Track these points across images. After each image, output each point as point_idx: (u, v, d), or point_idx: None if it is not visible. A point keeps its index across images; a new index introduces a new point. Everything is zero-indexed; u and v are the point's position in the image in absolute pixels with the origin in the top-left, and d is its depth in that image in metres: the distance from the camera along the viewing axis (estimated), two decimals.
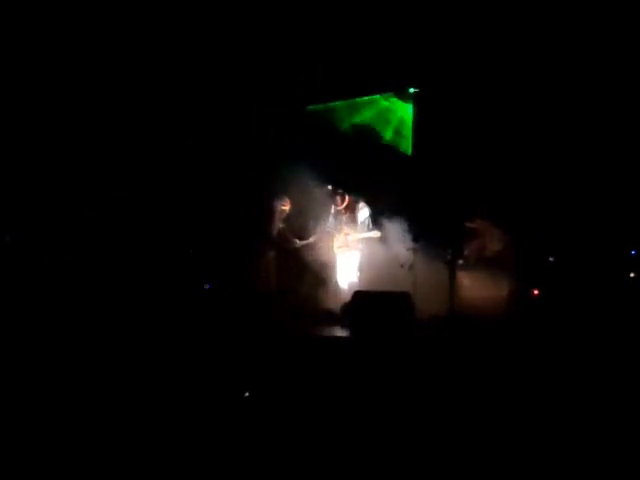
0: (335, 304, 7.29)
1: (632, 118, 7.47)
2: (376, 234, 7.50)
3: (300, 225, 7.88)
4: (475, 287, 7.44)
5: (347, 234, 7.61)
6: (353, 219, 7.63)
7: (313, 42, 7.93)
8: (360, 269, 7.58)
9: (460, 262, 7.78)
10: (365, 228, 7.57)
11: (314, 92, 8.42)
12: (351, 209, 7.66)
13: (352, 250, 7.65)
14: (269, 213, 7.80)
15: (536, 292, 7.50)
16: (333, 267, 7.73)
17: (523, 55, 7.61)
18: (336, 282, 7.68)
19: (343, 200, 7.64)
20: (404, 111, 8.70)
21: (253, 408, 3.93)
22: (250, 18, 7.61)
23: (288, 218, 7.87)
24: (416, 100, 8.55)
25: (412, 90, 8.60)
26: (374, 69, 8.31)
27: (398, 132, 8.74)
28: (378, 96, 8.82)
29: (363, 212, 7.59)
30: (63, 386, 4.27)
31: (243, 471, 3.19)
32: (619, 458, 3.25)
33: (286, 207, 7.78)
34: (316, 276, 7.74)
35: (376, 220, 7.62)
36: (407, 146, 8.60)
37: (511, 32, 7.49)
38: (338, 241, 7.69)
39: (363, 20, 7.77)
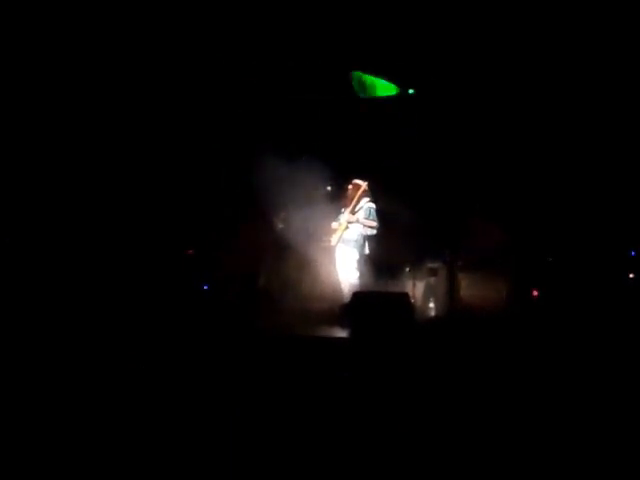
0: (335, 304, 7.29)
1: (632, 118, 7.48)
2: (373, 224, 7.49)
3: (299, 224, 7.89)
4: (474, 287, 7.45)
5: (348, 221, 7.58)
6: (354, 208, 7.61)
7: (311, 42, 7.94)
8: (359, 269, 7.56)
9: (459, 262, 7.79)
10: (365, 214, 7.55)
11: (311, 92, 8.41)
12: (354, 199, 7.64)
13: (350, 238, 7.61)
14: (268, 213, 7.82)
15: (535, 292, 7.51)
16: (333, 267, 7.73)
17: (521, 53, 7.61)
18: (335, 282, 7.67)
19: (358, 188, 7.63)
20: None
21: (252, 409, 3.91)
22: (247, 17, 7.60)
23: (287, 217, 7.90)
24: (414, 101, 8.56)
25: (411, 91, 8.60)
26: (373, 70, 8.34)
27: None
28: None
29: (365, 199, 7.60)
30: (60, 386, 4.26)
31: (242, 472, 3.17)
32: (619, 458, 3.24)
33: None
34: (315, 276, 7.75)
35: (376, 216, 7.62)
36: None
37: (509, 30, 7.49)
38: (338, 229, 7.64)
39: (362, 21, 7.77)
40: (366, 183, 7.63)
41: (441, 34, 7.77)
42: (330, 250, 7.70)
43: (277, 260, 7.97)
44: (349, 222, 7.55)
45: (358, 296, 6.65)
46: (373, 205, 7.57)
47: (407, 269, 7.83)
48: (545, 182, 7.82)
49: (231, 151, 8.24)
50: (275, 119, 8.25)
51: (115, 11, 7.36)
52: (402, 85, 8.56)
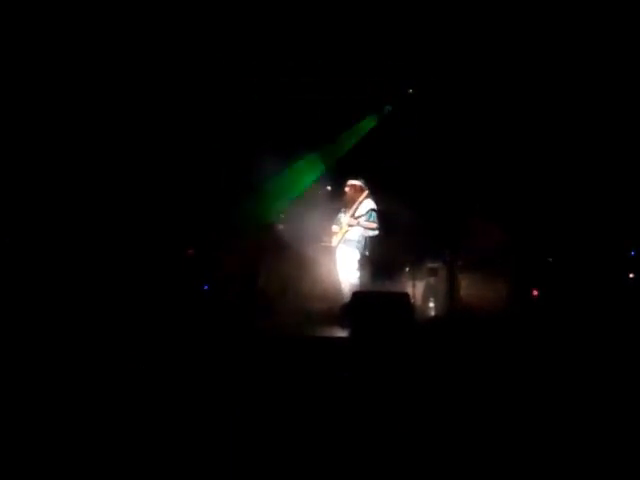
0: (335, 304, 7.29)
1: (632, 117, 7.48)
2: (374, 225, 7.49)
3: (299, 224, 7.89)
4: (474, 287, 7.45)
5: (349, 224, 7.58)
6: (355, 211, 7.60)
7: (311, 42, 7.93)
8: (359, 269, 7.56)
9: (459, 262, 7.79)
10: (367, 218, 7.54)
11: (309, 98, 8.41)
12: (355, 201, 7.63)
13: (351, 239, 7.60)
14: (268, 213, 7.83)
15: (535, 292, 7.51)
16: (333, 267, 7.73)
17: (521, 54, 7.60)
18: (336, 282, 7.67)
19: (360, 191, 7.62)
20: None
21: (252, 409, 3.91)
22: (247, 17, 7.59)
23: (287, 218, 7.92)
24: (414, 101, 8.57)
25: (411, 91, 8.61)
26: (373, 70, 8.34)
27: None
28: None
29: (367, 202, 7.58)
30: (61, 386, 4.26)
31: (242, 472, 3.17)
32: (619, 458, 3.23)
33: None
34: (315, 276, 7.76)
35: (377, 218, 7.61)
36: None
37: (509, 30, 7.48)
38: (339, 232, 7.64)
39: (361, 21, 7.76)
40: (367, 192, 7.62)
41: (440, 34, 7.76)
42: (330, 250, 7.70)
43: (277, 260, 7.97)
44: (350, 225, 7.55)
45: (358, 296, 6.65)
46: (374, 207, 7.56)
47: (407, 269, 7.83)
48: (545, 182, 7.82)
49: (231, 151, 8.24)
50: (275, 119, 8.26)
51: (115, 11, 7.34)
52: (402, 85, 8.58)
